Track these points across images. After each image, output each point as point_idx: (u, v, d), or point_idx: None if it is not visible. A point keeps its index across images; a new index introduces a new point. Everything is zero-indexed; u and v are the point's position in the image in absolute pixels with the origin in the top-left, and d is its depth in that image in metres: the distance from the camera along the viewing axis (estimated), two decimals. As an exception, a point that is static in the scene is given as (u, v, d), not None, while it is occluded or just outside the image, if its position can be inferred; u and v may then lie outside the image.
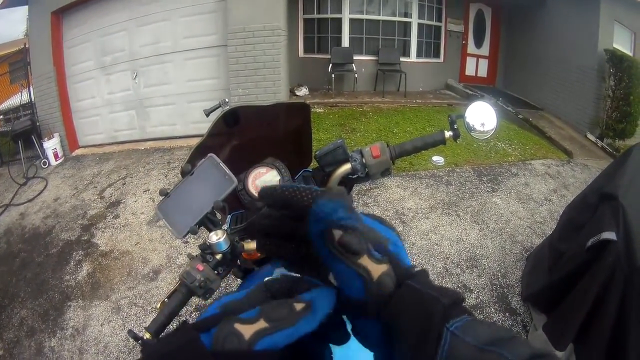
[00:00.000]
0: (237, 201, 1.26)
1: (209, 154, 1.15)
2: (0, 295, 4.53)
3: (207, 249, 1.11)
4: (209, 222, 1.15)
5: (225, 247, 1.10)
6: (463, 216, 4.99)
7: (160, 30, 7.59)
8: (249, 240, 1.19)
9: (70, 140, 8.42)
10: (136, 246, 4.86)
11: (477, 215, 5.04)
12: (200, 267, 1.07)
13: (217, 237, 1.10)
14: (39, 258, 5.06)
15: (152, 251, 4.73)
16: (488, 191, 5.65)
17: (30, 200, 6.65)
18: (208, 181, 1.15)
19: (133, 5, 7.63)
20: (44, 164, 7.82)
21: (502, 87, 11.94)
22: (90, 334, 3.76)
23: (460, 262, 4.18)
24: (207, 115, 2.59)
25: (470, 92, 10.06)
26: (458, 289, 3.61)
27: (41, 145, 7.90)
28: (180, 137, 7.84)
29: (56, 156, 7.96)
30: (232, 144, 1.49)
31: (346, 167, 1.25)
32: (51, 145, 7.88)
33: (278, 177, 1.32)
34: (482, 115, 1.36)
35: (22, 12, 8.57)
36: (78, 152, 8.42)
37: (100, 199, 6.15)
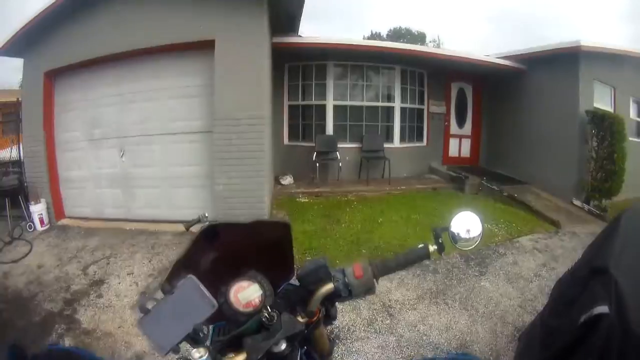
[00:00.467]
0: (219, 313, 1.24)
1: (189, 275, 1.17)
2: (-22, 352, 4.47)
3: None
4: (190, 340, 1.16)
5: None
6: (451, 304, 4.99)
7: (148, 110, 7.62)
8: (232, 355, 1.19)
9: (57, 208, 8.35)
10: (119, 329, 4.76)
11: (466, 301, 5.05)
12: None
13: (199, 355, 1.11)
14: (20, 322, 4.98)
15: (135, 336, 4.60)
16: (476, 275, 5.69)
17: (15, 262, 6.60)
18: (188, 302, 1.17)
19: (123, 80, 7.73)
20: (30, 227, 7.76)
21: (485, 165, 12.09)
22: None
23: (450, 350, 4.14)
24: (187, 229, 2.64)
25: (454, 174, 10.20)
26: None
27: (27, 208, 7.84)
28: (164, 222, 7.71)
29: (42, 222, 7.90)
30: (213, 257, 1.51)
31: (328, 287, 1.26)
32: (37, 210, 7.83)
33: (260, 292, 1.28)
34: (467, 225, 1.40)
35: (19, 62, 8.53)
36: (64, 221, 8.35)
37: (84, 275, 6.08)
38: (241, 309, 1.25)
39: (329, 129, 10.45)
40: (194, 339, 1.15)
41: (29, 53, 8.22)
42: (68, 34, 7.72)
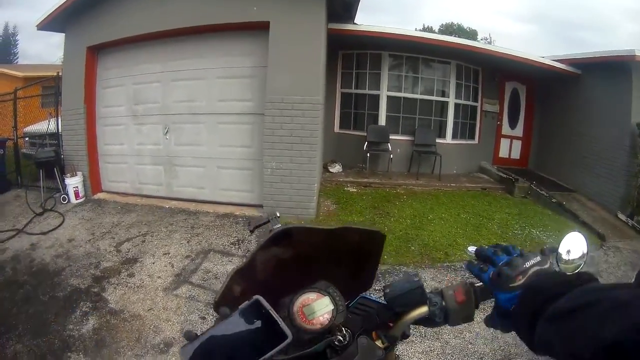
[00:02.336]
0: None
1: (256, 297, 0.90)
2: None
3: None
4: None
5: None
6: None
7: (194, 89, 7.48)
8: None
9: (93, 182, 8.31)
10: (149, 312, 4.54)
11: None
12: None
13: None
14: (43, 296, 4.83)
15: (165, 321, 4.39)
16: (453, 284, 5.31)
17: (44, 233, 6.52)
18: (251, 330, 0.90)
19: (168, 58, 7.59)
20: (64, 199, 7.73)
21: (534, 168, 11.74)
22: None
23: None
24: (252, 231, 2.33)
25: (504, 175, 9.83)
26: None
27: (63, 180, 7.81)
28: (207, 202, 7.60)
29: (77, 195, 7.86)
30: (276, 259, 1.24)
31: (422, 311, 1.01)
32: (73, 182, 7.79)
33: (331, 307, 1.07)
34: (569, 245, 1.10)
35: (60, 37, 8.51)
36: (100, 195, 8.30)
37: (116, 252, 5.91)
38: (307, 325, 1.07)
39: (382, 120, 10.21)
40: None
41: (71, 28, 8.21)
42: (113, 9, 7.64)
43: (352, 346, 1.01)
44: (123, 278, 5.25)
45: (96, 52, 8.10)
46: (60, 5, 7.80)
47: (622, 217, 8.14)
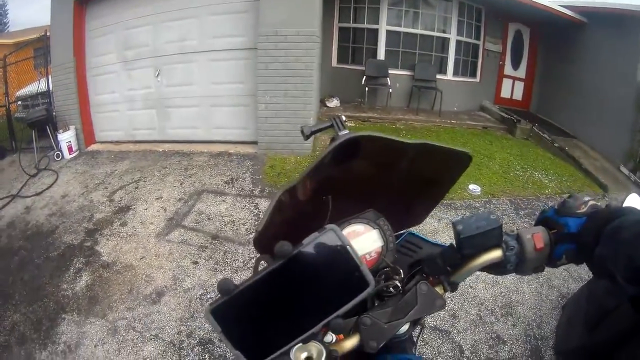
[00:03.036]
0: None
1: (329, 225, 0.66)
2: (-5, 293, 4.38)
3: None
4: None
5: None
6: None
7: (186, 28, 7.29)
8: (336, 341, 0.83)
9: (87, 134, 8.18)
10: (141, 261, 4.52)
11: None
12: None
13: (307, 354, 0.68)
14: (38, 259, 4.82)
15: (157, 268, 4.36)
16: (525, 227, 5.15)
17: (38, 194, 6.48)
18: (319, 275, 0.67)
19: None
20: (57, 156, 7.64)
21: (536, 111, 11.57)
22: (82, 355, 3.44)
23: (495, 309, 3.76)
24: (307, 137, 2.00)
25: (506, 116, 9.66)
26: (490, 341, 3.42)
27: (56, 137, 7.70)
28: (200, 142, 7.53)
29: (70, 149, 7.75)
30: (324, 176, 0.95)
31: (495, 256, 0.83)
32: (66, 137, 7.67)
33: (380, 243, 0.92)
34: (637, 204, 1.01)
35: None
36: (94, 147, 8.21)
37: (109, 202, 5.87)
38: None
39: (381, 54, 9.96)
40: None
41: None
42: None
43: (409, 293, 0.84)
44: (115, 228, 5.24)
45: (84, 4, 7.86)
46: None
47: (624, 170, 8.01)
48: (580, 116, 9.65)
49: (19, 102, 10.40)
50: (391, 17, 9.83)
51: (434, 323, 3.52)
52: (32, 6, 22.41)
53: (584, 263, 0.80)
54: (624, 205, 1.11)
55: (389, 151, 0.92)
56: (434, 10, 10.07)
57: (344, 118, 1.81)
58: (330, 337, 0.84)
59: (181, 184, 6.12)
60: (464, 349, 3.33)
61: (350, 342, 0.82)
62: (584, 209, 0.81)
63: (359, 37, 10.11)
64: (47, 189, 6.59)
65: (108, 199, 5.95)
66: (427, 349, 3.32)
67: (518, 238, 0.83)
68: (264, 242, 0.79)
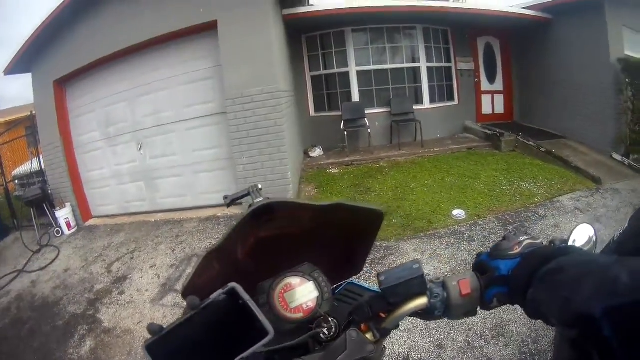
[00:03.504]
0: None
1: (231, 284, 0.77)
2: (8, 360, 4.66)
3: None
4: None
5: None
6: None
7: (159, 100, 7.52)
8: None
9: (83, 210, 8.43)
10: (138, 325, 4.77)
11: None
12: None
13: None
14: (46, 328, 5.11)
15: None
16: (454, 274, 5.13)
17: (42, 269, 6.75)
18: (225, 323, 0.79)
19: (131, 75, 7.63)
20: (57, 232, 7.86)
21: (520, 120, 11.56)
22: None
23: (484, 331, 3.68)
24: (228, 205, 2.17)
25: (490, 132, 9.68)
26: None
27: (53, 214, 7.93)
28: (189, 209, 7.68)
29: (69, 225, 7.97)
30: (255, 238, 1.07)
31: (421, 303, 0.89)
32: (63, 214, 7.89)
33: (316, 294, 0.98)
34: (575, 235, 1.22)
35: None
36: (91, 222, 8.42)
37: (107, 273, 6.13)
38: (288, 314, 0.98)
39: (355, 96, 10.13)
40: None
41: (35, 66, 8.37)
42: (69, 41, 7.78)
43: (339, 339, 0.91)
44: (114, 297, 5.49)
45: (63, 84, 8.22)
46: (21, 48, 7.95)
47: (617, 157, 8.00)
48: (564, 114, 9.69)
49: (16, 181, 10.61)
50: (359, 57, 10.01)
51: (418, 356, 3.50)
52: (17, 81, 22.83)
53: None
54: (571, 238, 1.29)
55: (303, 213, 1.03)
56: (400, 42, 10.23)
57: (260, 186, 1.94)
58: None
59: (173, 251, 6.30)
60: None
61: None
62: (517, 250, 0.83)
63: (331, 83, 10.27)
64: (50, 263, 6.85)
65: (106, 270, 6.19)
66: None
67: (444, 285, 0.88)
68: (196, 292, 0.82)
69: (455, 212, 6.02)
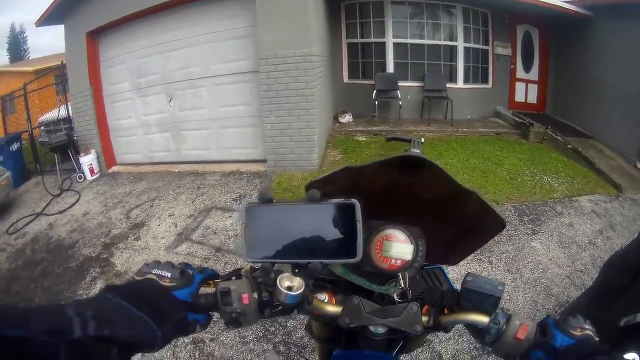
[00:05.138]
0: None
1: (353, 200, 0.81)
2: (18, 298, 4.75)
3: (267, 282, 0.87)
4: (296, 263, 0.87)
5: (293, 301, 0.85)
6: (496, 263, 4.48)
7: (190, 55, 7.55)
8: (325, 297, 0.98)
9: (107, 157, 8.59)
10: None
11: (512, 262, 4.52)
12: (247, 299, 0.85)
13: (289, 283, 0.85)
14: (58, 269, 5.18)
15: None
16: (528, 234, 5.10)
17: (61, 212, 6.85)
18: (326, 229, 0.82)
19: (163, 30, 7.65)
20: (80, 178, 8.01)
21: (551, 113, 11.31)
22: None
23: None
24: (388, 140, 2.19)
25: (520, 120, 9.51)
26: (473, 351, 3.31)
27: (77, 160, 8.06)
28: (214, 162, 7.79)
29: (92, 171, 8.11)
30: (390, 181, 1.09)
31: (482, 320, 0.91)
32: (87, 160, 8.03)
33: (409, 257, 1.01)
34: None
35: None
36: (115, 169, 8.57)
37: (126, 219, 6.20)
38: (376, 258, 1.02)
39: (390, 67, 10.02)
40: (298, 265, 0.87)
41: (68, 18, 8.39)
42: None
43: (400, 305, 0.94)
44: (130, 242, 5.55)
45: (95, 36, 8.25)
46: (55, 0, 8.07)
47: None
48: (596, 115, 9.39)
49: (42, 127, 10.91)
50: (397, 29, 9.89)
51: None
52: (49, 32, 23.02)
53: None
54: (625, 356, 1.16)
55: (441, 183, 1.04)
56: (438, 19, 10.07)
57: (422, 140, 1.96)
58: (323, 296, 0.99)
59: (193, 202, 6.36)
60: (444, 358, 3.27)
61: (331, 308, 0.95)
62: (578, 333, 0.85)
63: (367, 51, 10.20)
64: (69, 207, 6.95)
65: (125, 216, 6.27)
66: (404, 357, 3.28)
67: (508, 319, 0.89)
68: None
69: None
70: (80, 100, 8.39)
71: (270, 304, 0.87)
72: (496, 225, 1.08)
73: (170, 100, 7.90)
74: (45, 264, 5.35)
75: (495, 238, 4.15)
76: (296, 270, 0.86)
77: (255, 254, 0.83)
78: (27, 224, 6.69)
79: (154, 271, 0.84)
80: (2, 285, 5.17)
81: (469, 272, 0.95)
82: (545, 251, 4.77)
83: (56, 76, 10.59)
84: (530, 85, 11.53)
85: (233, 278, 0.90)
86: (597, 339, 0.86)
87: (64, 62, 8.72)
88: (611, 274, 2.79)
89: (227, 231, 5.44)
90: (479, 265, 4.46)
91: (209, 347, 3.54)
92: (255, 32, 6.78)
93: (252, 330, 3.65)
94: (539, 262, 4.55)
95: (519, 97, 11.44)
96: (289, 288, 0.84)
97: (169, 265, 0.86)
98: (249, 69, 7.14)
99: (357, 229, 0.79)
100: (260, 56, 6.67)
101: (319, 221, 0.81)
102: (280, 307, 0.88)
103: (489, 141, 8.57)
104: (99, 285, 4.62)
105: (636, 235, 2.73)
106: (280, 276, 0.85)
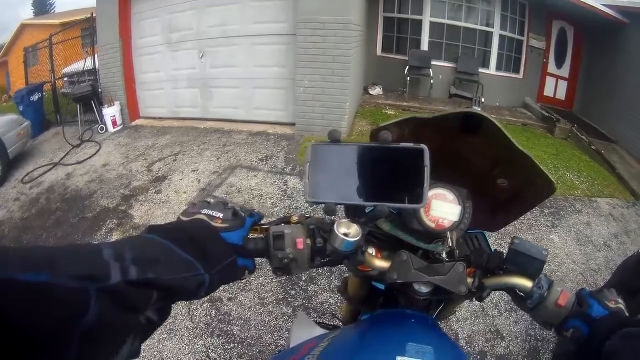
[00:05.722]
0: None
1: (422, 145, 0.79)
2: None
3: (324, 228, 0.85)
4: (355, 210, 0.85)
5: (348, 248, 0.83)
6: None
7: (228, 13, 7.45)
8: (374, 252, 0.98)
9: (131, 109, 8.54)
10: None
11: None
12: (301, 244, 0.82)
13: (346, 230, 0.83)
14: (73, 219, 5.14)
15: None
16: (547, 226, 5.10)
17: (79, 162, 6.81)
18: (392, 173, 0.80)
19: None
20: (101, 129, 8.00)
21: (578, 112, 11.24)
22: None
23: (499, 302, 3.66)
24: (450, 96, 2.16)
25: (547, 114, 9.42)
26: (488, 334, 3.36)
27: (100, 111, 8.06)
28: (241, 121, 7.73)
29: (114, 123, 8.09)
30: (449, 135, 1.09)
31: (525, 284, 0.91)
32: (110, 112, 8.00)
33: (456, 219, 1.00)
34: None
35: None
36: (138, 122, 8.54)
37: (147, 172, 6.15)
38: (424, 216, 1.01)
39: (424, 45, 10.00)
40: (356, 212, 0.86)
41: None
42: None
43: (446, 265, 0.92)
44: (150, 195, 5.50)
45: (129, -13, 8.17)
46: None
47: None
48: (621, 120, 9.34)
49: (65, 78, 10.92)
50: (435, 8, 9.77)
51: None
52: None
53: (584, 350, 0.87)
54: None
55: (496, 144, 1.03)
56: (477, 4, 9.97)
57: (483, 100, 1.93)
58: (371, 250, 0.98)
59: (217, 159, 6.32)
60: (460, 337, 3.30)
61: (379, 263, 0.94)
62: (612, 304, 0.87)
63: (403, 27, 10.11)
64: (88, 158, 6.91)
65: (146, 169, 6.22)
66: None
67: (550, 284, 0.90)
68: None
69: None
70: (108, 53, 8.32)
71: (322, 252, 0.85)
72: (545, 189, 1.07)
73: (201, 57, 7.83)
74: (60, 214, 5.32)
75: (517, 225, 4.14)
76: (355, 218, 0.85)
77: (318, 195, 0.82)
78: (44, 173, 6.69)
79: (204, 211, 0.81)
80: (14, 234, 5.16)
81: (515, 236, 0.95)
82: (562, 245, 4.77)
83: (83, 29, 10.57)
84: (560, 81, 11.46)
85: (282, 224, 0.87)
86: (627, 313, 0.89)
87: (94, 14, 8.64)
88: (625, 276, 2.85)
89: (251, 190, 5.40)
90: (500, 249, 4.40)
91: (227, 306, 3.52)
92: (295, -6, 6.71)
93: (272, 292, 3.64)
94: (556, 254, 4.56)
95: (548, 91, 11.37)
96: (345, 235, 0.82)
97: (221, 205, 0.84)
98: (286, 31, 7.07)
99: (425, 174, 0.77)
100: (300, 20, 6.62)
101: (386, 164, 0.80)
102: (330, 258, 0.87)
103: (516, 130, 8.50)
104: (115, 237, 4.54)
105: None
106: (337, 221, 0.84)
